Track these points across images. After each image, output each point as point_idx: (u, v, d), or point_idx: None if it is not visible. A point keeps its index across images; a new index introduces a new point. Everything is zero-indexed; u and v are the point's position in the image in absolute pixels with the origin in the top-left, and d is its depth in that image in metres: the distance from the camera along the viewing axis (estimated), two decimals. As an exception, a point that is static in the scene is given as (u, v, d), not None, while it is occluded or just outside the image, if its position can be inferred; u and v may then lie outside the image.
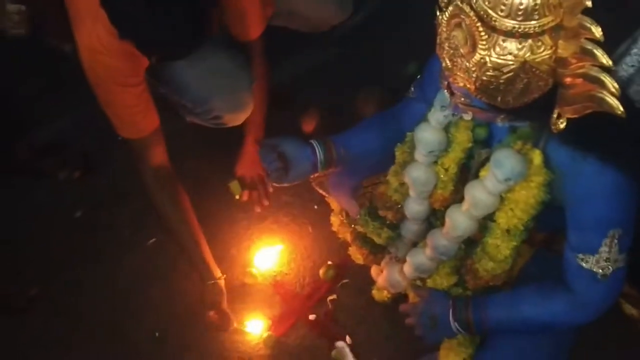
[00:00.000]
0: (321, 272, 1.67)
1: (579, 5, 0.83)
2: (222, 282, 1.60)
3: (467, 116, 1.02)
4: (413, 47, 1.52)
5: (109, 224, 1.85)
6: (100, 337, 1.64)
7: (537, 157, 1.07)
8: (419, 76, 1.36)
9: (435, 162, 1.27)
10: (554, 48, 0.85)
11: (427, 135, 1.24)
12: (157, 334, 1.64)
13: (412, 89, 1.37)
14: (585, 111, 0.85)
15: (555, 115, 0.89)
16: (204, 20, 1.19)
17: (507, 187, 1.10)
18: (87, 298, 1.71)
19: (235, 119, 1.68)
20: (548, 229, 1.26)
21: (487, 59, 0.86)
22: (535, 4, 0.81)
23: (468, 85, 0.92)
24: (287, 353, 1.58)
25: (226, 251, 1.76)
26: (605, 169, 1.00)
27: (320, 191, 1.69)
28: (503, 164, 1.07)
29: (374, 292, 1.55)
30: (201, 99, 1.59)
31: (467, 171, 1.25)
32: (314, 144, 1.35)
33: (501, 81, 0.87)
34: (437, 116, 1.22)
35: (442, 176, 1.27)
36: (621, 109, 0.82)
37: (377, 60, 2.07)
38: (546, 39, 0.84)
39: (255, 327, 1.61)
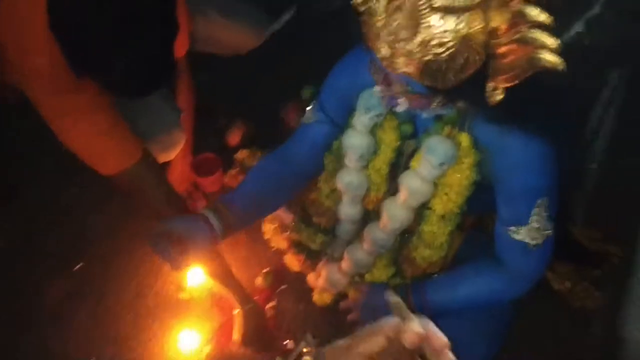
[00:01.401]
0: (258, 280, 1.66)
1: None
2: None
3: (402, 106, 1.06)
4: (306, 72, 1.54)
5: (34, 251, 1.76)
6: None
7: (465, 139, 1.12)
8: (313, 101, 1.37)
9: (366, 166, 1.31)
10: (486, 20, 0.87)
11: (354, 140, 1.27)
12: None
13: (310, 114, 1.37)
14: (522, 77, 0.87)
15: (490, 89, 0.91)
16: (172, 44, 1.15)
17: (441, 172, 1.15)
18: (14, 329, 1.61)
19: (168, 156, 1.66)
20: (477, 211, 1.33)
21: (430, 37, 0.87)
22: None
23: (410, 70, 0.92)
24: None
25: (158, 267, 1.71)
26: (529, 140, 1.07)
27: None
28: (436, 149, 1.13)
29: (315, 296, 1.56)
30: None
31: (397, 168, 1.30)
32: (206, 214, 1.22)
33: (443, 58, 0.88)
34: (362, 120, 1.24)
35: (374, 178, 1.31)
36: (562, 63, 0.83)
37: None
38: (479, 11, 0.86)
39: (193, 342, 1.58)
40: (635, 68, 2.04)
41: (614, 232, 1.66)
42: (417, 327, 0.54)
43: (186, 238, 1.17)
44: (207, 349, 1.55)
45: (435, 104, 1.04)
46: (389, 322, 0.57)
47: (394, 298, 0.61)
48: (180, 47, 1.56)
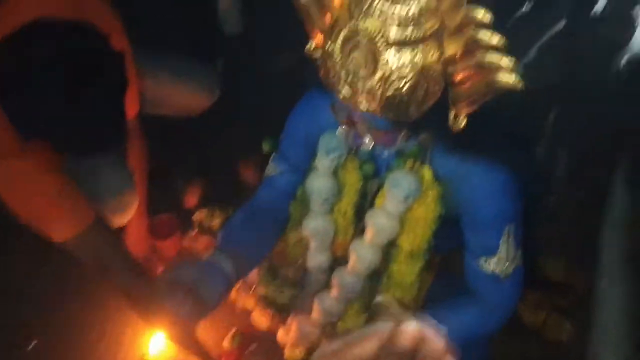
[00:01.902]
0: (226, 342, 1.59)
1: (460, 2, 0.86)
2: None
3: (368, 145, 1.06)
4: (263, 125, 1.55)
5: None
6: None
7: (427, 172, 1.13)
8: (273, 153, 1.37)
9: (331, 210, 1.30)
10: (440, 49, 0.89)
11: (318, 183, 1.26)
12: None
13: (272, 166, 1.37)
14: (482, 101, 0.88)
15: (452, 117, 0.92)
16: (122, 102, 1.14)
17: (407, 206, 1.15)
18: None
19: (121, 221, 1.62)
20: (444, 249, 1.33)
21: (389, 73, 0.88)
22: (421, 10, 0.87)
23: (373, 107, 0.93)
24: None
25: (120, 337, 1.62)
26: (490, 168, 1.08)
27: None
28: (400, 183, 1.13)
29: (287, 353, 1.51)
30: None
31: (363, 210, 1.28)
32: (216, 259, 1.17)
33: (404, 92, 0.90)
34: (323, 162, 1.23)
35: (340, 222, 1.30)
36: (520, 81, 0.84)
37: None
38: (433, 41, 0.89)
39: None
40: (573, 106, 2.14)
41: (575, 262, 1.70)
42: (413, 328, 0.51)
43: (200, 287, 1.10)
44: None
45: (399, 138, 1.05)
46: (383, 326, 0.53)
47: (385, 298, 0.58)
48: (130, 108, 1.54)
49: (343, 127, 1.08)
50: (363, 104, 0.94)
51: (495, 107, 0.95)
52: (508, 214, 1.13)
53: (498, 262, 1.14)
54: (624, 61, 2.36)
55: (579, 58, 2.42)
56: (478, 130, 0.96)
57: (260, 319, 1.55)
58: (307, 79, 1.18)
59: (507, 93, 0.87)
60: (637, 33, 2.56)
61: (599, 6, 2.61)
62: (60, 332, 1.63)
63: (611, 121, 2.05)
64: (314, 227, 1.30)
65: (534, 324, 1.52)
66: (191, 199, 1.88)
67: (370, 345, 0.52)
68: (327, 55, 0.94)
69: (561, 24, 2.54)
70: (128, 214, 1.60)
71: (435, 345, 0.51)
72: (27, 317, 1.64)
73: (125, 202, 1.56)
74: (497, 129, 1.02)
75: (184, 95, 1.81)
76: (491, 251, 1.14)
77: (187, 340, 1.31)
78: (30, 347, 1.61)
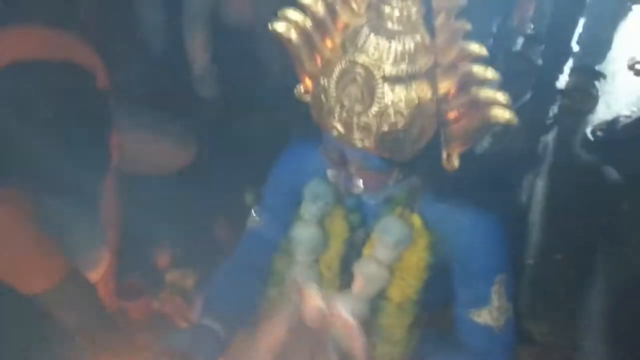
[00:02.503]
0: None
1: (457, 34, 0.88)
2: None
3: (358, 188, 1.04)
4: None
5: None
6: None
7: (416, 220, 1.11)
8: (254, 206, 1.35)
9: (317, 261, 1.24)
10: (434, 86, 0.89)
11: (304, 232, 1.21)
12: None
13: (255, 217, 1.34)
14: (477, 140, 0.89)
15: (445, 157, 0.92)
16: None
17: (398, 253, 1.12)
18: None
19: (91, 277, 1.55)
20: (433, 305, 1.29)
21: (385, 108, 0.88)
22: (415, 46, 0.87)
23: (367, 144, 0.91)
24: None
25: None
26: (480, 217, 1.08)
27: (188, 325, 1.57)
28: (390, 229, 1.10)
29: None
30: None
31: (348, 262, 1.23)
32: (208, 323, 1.14)
33: (400, 128, 0.89)
34: (310, 210, 1.20)
35: (326, 274, 1.24)
36: (514, 117, 0.83)
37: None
38: (426, 80, 0.89)
39: None
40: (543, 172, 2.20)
41: (559, 323, 1.68)
42: (315, 301, 0.46)
43: (194, 353, 1.08)
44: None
45: (391, 181, 1.04)
46: (286, 308, 0.48)
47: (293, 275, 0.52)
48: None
49: (332, 171, 1.06)
50: (357, 141, 0.92)
51: (482, 154, 0.96)
52: (499, 263, 1.12)
53: (490, 313, 1.12)
54: (589, 129, 2.46)
55: (544, 126, 2.52)
56: (466, 175, 0.96)
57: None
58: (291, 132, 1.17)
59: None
60: (599, 104, 2.69)
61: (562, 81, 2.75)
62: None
63: (579, 183, 2.10)
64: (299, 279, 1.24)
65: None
66: (163, 260, 1.81)
67: (278, 329, 0.48)
68: (322, 90, 0.93)
69: (527, 96, 2.65)
70: (98, 271, 1.52)
71: (340, 319, 0.47)
72: None
73: (96, 258, 1.49)
74: (483, 175, 1.02)
75: (160, 151, 1.78)
76: (483, 302, 1.12)
77: None
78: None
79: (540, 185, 2.09)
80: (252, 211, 1.34)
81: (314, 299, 0.44)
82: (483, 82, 0.86)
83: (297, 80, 1.01)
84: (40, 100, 1.04)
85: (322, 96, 0.93)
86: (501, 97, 0.85)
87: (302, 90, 1.03)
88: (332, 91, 0.91)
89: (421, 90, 0.89)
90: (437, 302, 1.25)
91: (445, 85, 0.90)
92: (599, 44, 3.12)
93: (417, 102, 0.89)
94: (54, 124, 1.04)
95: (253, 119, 1.98)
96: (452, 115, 0.91)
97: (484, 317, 1.12)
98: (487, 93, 0.85)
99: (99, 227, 1.50)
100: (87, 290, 1.30)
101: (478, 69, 0.85)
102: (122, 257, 1.67)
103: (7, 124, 1.03)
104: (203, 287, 1.56)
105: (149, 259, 1.85)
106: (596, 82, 2.76)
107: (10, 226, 1.16)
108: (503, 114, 0.84)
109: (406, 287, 1.15)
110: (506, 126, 0.83)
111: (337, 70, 0.90)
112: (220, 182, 1.81)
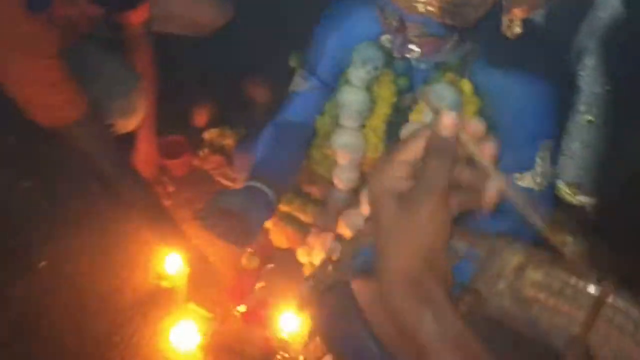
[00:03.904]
0: (243, 261, 1.58)
1: None
2: None
3: (414, 53, 1.02)
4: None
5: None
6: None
7: (466, 86, 1.10)
8: (299, 68, 1.31)
9: (362, 126, 1.25)
10: None
11: (351, 96, 1.20)
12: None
13: (300, 80, 1.30)
14: (539, 6, 0.87)
15: (507, 22, 0.89)
16: None
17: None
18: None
19: (128, 125, 1.56)
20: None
21: None
22: None
23: (432, 8, 0.90)
24: (225, 349, 1.47)
25: (132, 259, 1.60)
26: (533, 82, 1.06)
27: (227, 182, 1.61)
28: (442, 95, 1.09)
29: (307, 273, 1.50)
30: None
31: (393, 127, 1.24)
32: (256, 184, 1.16)
33: None
34: (358, 74, 1.18)
35: (371, 138, 1.25)
36: None
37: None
38: None
39: (183, 332, 1.48)
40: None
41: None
42: (450, 114, 0.48)
43: (247, 213, 1.10)
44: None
45: (448, 46, 1.01)
46: (421, 126, 0.51)
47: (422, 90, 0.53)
48: (141, 14, 1.51)
49: (386, 35, 1.03)
50: (421, 7, 0.90)
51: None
52: (546, 129, 1.11)
53: (533, 177, 1.13)
54: None
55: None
56: (525, 42, 0.93)
57: (280, 237, 1.52)
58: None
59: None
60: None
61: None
62: (72, 255, 1.59)
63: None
64: (344, 142, 1.25)
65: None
66: (201, 118, 1.82)
67: (417, 145, 0.50)
68: None
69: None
70: (135, 118, 1.55)
71: (473, 127, 0.49)
72: (33, 242, 1.60)
73: (132, 103, 1.53)
74: (543, 43, 0.99)
75: (195, 12, 1.71)
76: (527, 166, 1.12)
77: (229, 265, 1.42)
78: (41, 265, 1.57)
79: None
80: (297, 75, 1.31)
81: (449, 115, 0.46)
82: None
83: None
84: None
85: None
86: None
87: None
88: None
89: None
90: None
91: None
92: None
93: None
94: None
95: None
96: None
97: (527, 181, 1.13)
98: None
99: (134, 75, 1.53)
100: (100, 134, 1.38)
101: None
102: (161, 117, 1.69)
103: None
104: (242, 146, 1.58)
105: (188, 119, 1.86)
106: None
107: (40, 61, 1.20)
108: None
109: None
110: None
111: None
112: (257, 44, 1.76)
